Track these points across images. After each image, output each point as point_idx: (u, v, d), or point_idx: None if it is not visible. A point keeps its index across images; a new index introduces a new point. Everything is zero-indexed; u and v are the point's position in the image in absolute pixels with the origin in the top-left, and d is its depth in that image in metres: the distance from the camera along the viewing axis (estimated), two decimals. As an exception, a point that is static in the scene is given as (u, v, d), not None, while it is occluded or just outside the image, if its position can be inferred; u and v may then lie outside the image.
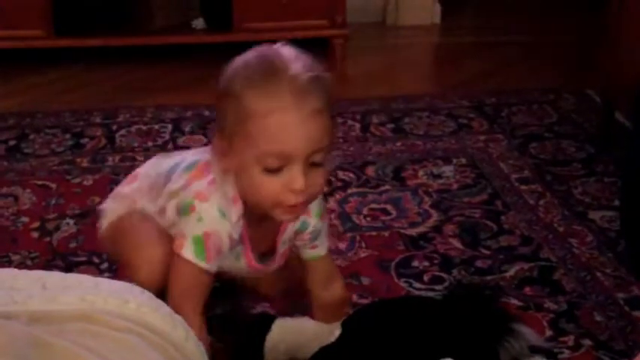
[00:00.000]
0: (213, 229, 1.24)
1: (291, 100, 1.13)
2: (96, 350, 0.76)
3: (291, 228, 1.35)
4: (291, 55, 1.19)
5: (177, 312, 1.15)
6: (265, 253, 1.38)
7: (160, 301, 0.85)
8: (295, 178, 1.15)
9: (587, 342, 1.52)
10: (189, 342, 0.85)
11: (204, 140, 2.34)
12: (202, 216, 1.24)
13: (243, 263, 1.35)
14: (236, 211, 1.26)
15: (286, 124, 1.13)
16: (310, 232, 1.36)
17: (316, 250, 1.40)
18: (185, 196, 1.27)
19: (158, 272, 1.28)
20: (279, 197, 1.18)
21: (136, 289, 0.86)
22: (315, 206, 1.34)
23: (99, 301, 0.81)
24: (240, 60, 1.21)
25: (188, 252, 1.25)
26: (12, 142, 2.39)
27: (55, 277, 0.83)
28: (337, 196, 2.03)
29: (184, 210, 1.26)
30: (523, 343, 1.30)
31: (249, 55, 1.21)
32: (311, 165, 1.17)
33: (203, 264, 1.25)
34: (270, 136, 1.14)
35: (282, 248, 1.38)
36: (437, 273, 1.72)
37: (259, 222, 1.31)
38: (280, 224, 1.34)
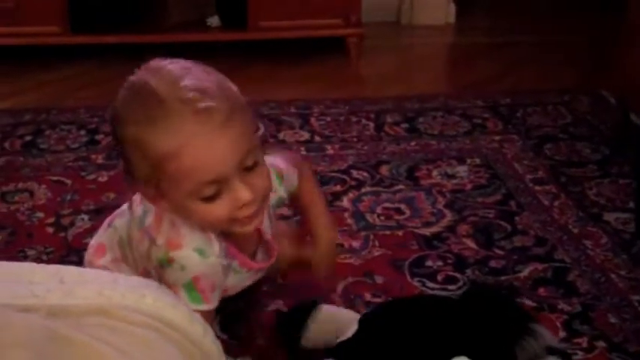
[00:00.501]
0: (200, 272, 1.16)
1: (195, 126, 1.03)
2: (113, 344, 0.76)
3: (267, 214, 1.30)
4: (169, 72, 1.08)
5: None
6: (257, 248, 1.33)
7: (177, 297, 0.85)
8: (238, 193, 1.09)
9: (601, 344, 1.51)
10: (206, 338, 0.85)
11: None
12: (183, 264, 1.15)
13: (245, 272, 1.30)
14: (214, 242, 1.19)
15: (202, 151, 1.04)
16: (282, 200, 1.38)
17: (289, 187, 1.38)
18: (157, 252, 1.17)
19: None
20: (231, 216, 1.12)
21: (153, 285, 0.86)
22: (274, 182, 1.28)
23: (116, 295, 0.81)
24: (120, 103, 1.11)
25: (188, 302, 1.14)
26: (28, 138, 2.40)
27: (73, 271, 0.83)
28: (351, 195, 2.03)
29: (164, 263, 1.16)
30: (540, 344, 1.30)
31: (126, 92, 1.11)
32: (245, 170, 1.11)
33: (202, 306, 1.16)
34: (193, 171, 1.05)
35: (268, 233, 1.32)
36: (451, 273, 1.72)
37: (236, 233, 1.24)
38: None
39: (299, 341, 1.40)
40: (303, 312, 1.42)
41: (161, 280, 1.16)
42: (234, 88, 1.12)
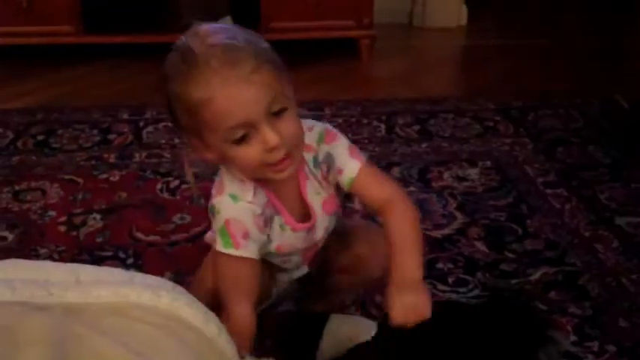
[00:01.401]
0: (231, 216, 1.25)
1: (222, 74, 1.13)
2: (128, 344, 0.77)
3: (310, 175, 1.33)
4: (205, 32, 1.18)
5: (225, 307, 1.16)
6: (304, 216, 1.35)
7: (192, 297, 0.85)
8: (266, 137, 1.16)
9: (611, 348, 1.51)
10: (221, 337, 0.86)
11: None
12: (219, 208, 1.26)
13: (290, 231, 1.34)
14: (249, 188, 1.26)
15: (229, 97, 1.13)
16: (323, 161, 1.32)
17: (345, 174, 1.32)
18: (210, 206, 1.29)
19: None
20: (263, 160, 1.19)
21: (169, 284, 0.86)
22: (313, 137, 1.31)
23: (132, 294, 0.81)
24: (166, 62, 1.21)
25: (219, 245, 1.26)
26: (40, 137, 2.41)
27: (89, 270, 0.84)
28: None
29: (211, 212, 1.28)
30: (559, 350, 1.30)
31: (171, 54, 1.21)
32: (274, 115, 1.17)
33: (233, 251, 1.25)
34: (223, 115, 1.14)
35: (317, 200, 1.35)
36: (461, 275, 1.72)
37: (280, 186, 1.30)
38: (297, 177, 1.32)
39: (314, 355, 1.40)
40: (315, 324, 1.41)
41: None
42: (264, 44, 1.20)
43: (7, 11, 2.93)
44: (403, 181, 2.12)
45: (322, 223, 1.37)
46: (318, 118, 2.50)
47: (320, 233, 1.38)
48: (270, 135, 1.15)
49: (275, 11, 2.98)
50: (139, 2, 3.01)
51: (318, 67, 3.03)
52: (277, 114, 1.17)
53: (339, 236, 1.45)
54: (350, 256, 1.45)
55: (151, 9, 3.02)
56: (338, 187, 1.36)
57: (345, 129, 2.47)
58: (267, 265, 1.41)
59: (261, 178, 1.26)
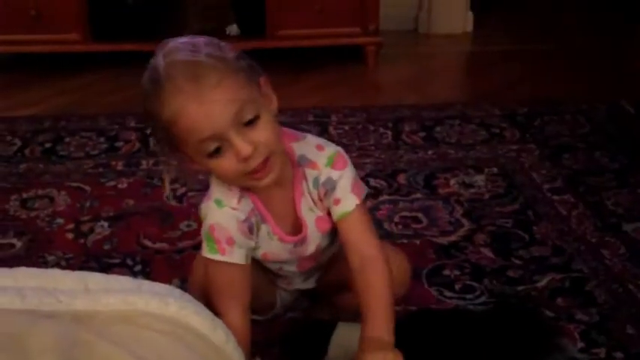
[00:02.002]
0: (215, 221, 1.27)
1: (185, 91, 1.13)
2: (136, 351, 0.77)
3: (307, 192, 1.32)
4: (169, 49, 1.18)
5: (216, 312, 1.17)
6: (295, 229, 1.35)
7: (200, 304, 0.86)
8: (237, 148, 1.16)
9: (618, 354, 1.51)
10: (228, 344, 0.86)
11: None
12: (205, 213, 1.28)
13: (277, 240, 1.34)
14: (234, 194, 1.28)
15: (194, 113, 1.14)
16: (324, 184, 1.31)
17: (340, 206, 1.31)
18: (199, 210, 1.31)
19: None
20: (240, 170, 1.19)
21: (177, 292, 0.87)
22: (322, 157, 1.31)
23: (140, 302, 0.82)
24: (142, 82, 1.22)
25: (205, 251, 1.28)
26: (48, 145, 2.43)
27: (98, 278, 0.84)
28: (368, 204, 2.03)
29: (201, 218, 1.30)
30: (567, 357, 1.30)
31: (144, 73, 1.21)
32: (246, 125, 1.17)
33: (218, 256, 1.27)
34: (190, 131, 1.15)
35: (310, 216, 1.34)
36: (468, 282, 1.72)
37: (270, 196, 1.30)
38: (292, 191, 1.32)
39: None
40: (322, 332, 1.41)
41: None
42: (230, 55, 1.19)
43: (16, 20, 2.94)
44: (409, 188, 2.12)
45: (314, 238, 1.37)
46: (325, 125, 2.53)
47: (311, 248, 1.38)
48: (241, 145, 1.15)
49: (281, 19, 2.99)
50: (145, 11, 3.02)
51: (324, 74, 3.04)
52: (249, 123, 1.17)
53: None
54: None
55: (158, 17, 3.03)
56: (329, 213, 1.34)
57: (352, 135, 2.47)
58: (265, 270, 1.42)
59: (248, 186, 1.26)
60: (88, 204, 2.07)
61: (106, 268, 1.78)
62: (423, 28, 3.58)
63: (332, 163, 1.31)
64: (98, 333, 0.77)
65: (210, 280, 1.30)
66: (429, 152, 2.36)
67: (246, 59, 1.22)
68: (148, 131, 1.25)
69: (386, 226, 1.94)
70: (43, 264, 1.79)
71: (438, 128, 2.52)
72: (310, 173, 1.31)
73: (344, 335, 1.39)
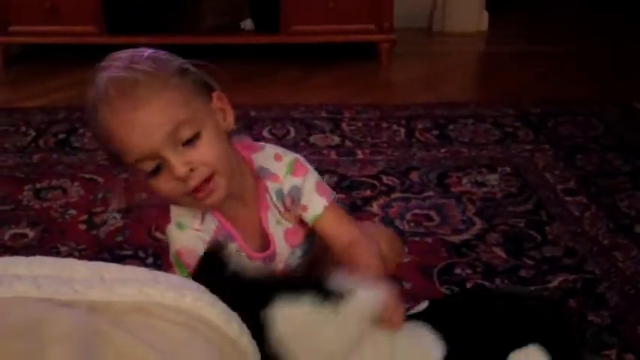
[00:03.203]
0: (181, 245, 1.23)
1: (117, 108, 1.10)
2: (152, 342, 0.78)
3: (272, 205, 1.28)
4: (107, 64, 1.15)
5: None
6: (264, 245, 1.31)
7: (215, 297, 0.86)
8: (172, 169, 1.12)
9: (630, 356, 1.50)
10: (243, 337, 0.86)
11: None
12: (169, 237, 1.25)
13: (245, 258, 1.29)
14: (196, 215, 1.24)
15: (125, 133, 1.10)
16: (289, 193, 1.27)
17: (310, 211, 1.27)
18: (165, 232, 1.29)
19: None
20: (179, 190, 1.15)
21: (193, 284, 0.87)
22: (281, 167, 1.27)
23: (156, 293, 0.82)
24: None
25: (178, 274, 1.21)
26: (62, 136, 2.44)
27: (113, 268, 0.84)
28: (381, 201, 2.04)
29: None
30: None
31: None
32: (185, 144, 1.13)
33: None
34: (125, 149, 1.12)
35: (278, 229, 1.30)
36: (479, 281, 1.72)
37: (235, 212, 1.26)
38: (257, 205, 1.28)
39: None
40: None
41: None
42: (171, 69, 1.15)
43: (31, 11, 2.96)
44: (422, 186, 2.12)
45: (283, 254, 1.32)
46: (337, 122, 2.53)
47: (280, 265, 1.32)
48: (176, 167, 1.11)
49: (295, 15, 2.99)
50: (161, 4, 3.03)
51: (337, 71, 3.04)
52: (189, 142, 1.13)
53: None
54: None
55: (173, 11, 3.04)
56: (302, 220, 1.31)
57: (364, 133, 2.47)
58: None
59: (195, 207, 1.22)
60: (100, 195, 2.08)
61: (118, 260, 1.79)
62: (438, 26, 3.58)
63: (292, 171, 1.27)
64: (113, 322, 0.77)
65: None
66: (442, 150, 2.36)
67: (197, 74, 1.18)
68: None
69: (398, 223, 1.94)
70: (56, 254, 1.80)
71: (451, 127, 2.52)
72: (272, 186, 1.27)
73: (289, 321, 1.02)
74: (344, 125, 2.52)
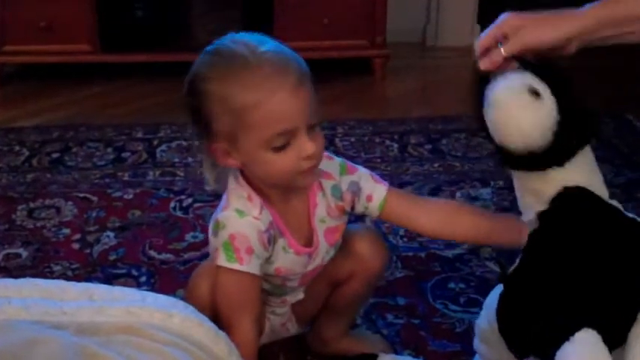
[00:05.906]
0: (236, 230, 1.26)
1: (273, 83, 1.18)
2: (140, 362, 0.78)
3: (321, 202, 1.35)
4: (251, 39, 1.23)
5: (227, 324, 1.16)
6: (308, 240, 1.36)
7: (204, 316, 0.86)
8: (305, 146, 1.21)
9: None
10: (232, 357, 0.86)
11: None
12: (225, 223, 1.27)
13: (293, 254, 1.34)
14: (255, 205, 1.28)
15: (280, 104, 1.18)
16: (348, 189, 1.37)
17: (376, 198, 1.38)
18: (214, 222, 1.31)
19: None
20: (296, 167, 1.23)
21: (181, 304, 0.87)
22: (334, 166, 1.37)
23: (145, 314, 0.82)
24: (202, 65, 1.24)
25: (222, 260, 1.26)
26: (55, 155, 2.44)
27: (102, 289, 0.85)
28: (374, 216, 2.04)
29: (215, 229, 1.29)
30: None
31: (204, 57, 1.25)
32: (310, 127, 1.22)
33: (237, 266, 1.25)
34: (271, 121, 1.18)
35: (321, 227, 1.36)
36: (473, 295, 1.72)
37: (287, 207, 1.33)
38: (308, 201, 1.35)
39: None
40: None
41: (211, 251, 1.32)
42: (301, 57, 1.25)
43: (25, 30, 2.96)
44: (415, 201, 2.12)
45: (322, 251, 1.38)
46: (331, 137, 2.53)
47: (317, 261, 1.38)
48: (309, 144, 1.20)
49: (288, 30, 2.99)
50: (154, 23, 3.04)
51: (331, 86, 3.04)
52: (312, 127, 1.23)
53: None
54: (349, 258, 1.43)
55: (166, 29, 3.05)
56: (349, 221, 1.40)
57: (358, 148, 2.48)
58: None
59: (268, 199, 1.29)
60: (94, 214, 2.08)
61: (111, 279, 1.79)
62: (431, 41, 3.59)
63: (346, 170, 1.38)
64: (102, 344, 0.77)
65: (222, 290, 1.28)
66: (435, 165, 2.36)
67: None
68: (192, 120, 1.25)
69: (391, 238, 1.94)
70: (49, 274, 1.80)
71: (444, 141, 2.53)
72: (327, 183, 1.35)
73: None
74: (337, 141, 2.53)
